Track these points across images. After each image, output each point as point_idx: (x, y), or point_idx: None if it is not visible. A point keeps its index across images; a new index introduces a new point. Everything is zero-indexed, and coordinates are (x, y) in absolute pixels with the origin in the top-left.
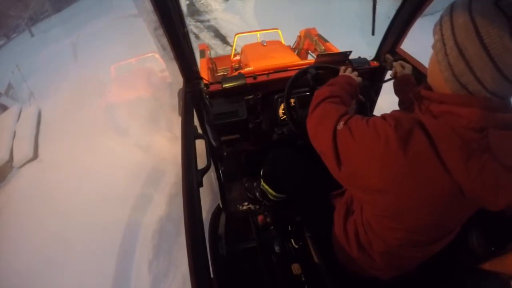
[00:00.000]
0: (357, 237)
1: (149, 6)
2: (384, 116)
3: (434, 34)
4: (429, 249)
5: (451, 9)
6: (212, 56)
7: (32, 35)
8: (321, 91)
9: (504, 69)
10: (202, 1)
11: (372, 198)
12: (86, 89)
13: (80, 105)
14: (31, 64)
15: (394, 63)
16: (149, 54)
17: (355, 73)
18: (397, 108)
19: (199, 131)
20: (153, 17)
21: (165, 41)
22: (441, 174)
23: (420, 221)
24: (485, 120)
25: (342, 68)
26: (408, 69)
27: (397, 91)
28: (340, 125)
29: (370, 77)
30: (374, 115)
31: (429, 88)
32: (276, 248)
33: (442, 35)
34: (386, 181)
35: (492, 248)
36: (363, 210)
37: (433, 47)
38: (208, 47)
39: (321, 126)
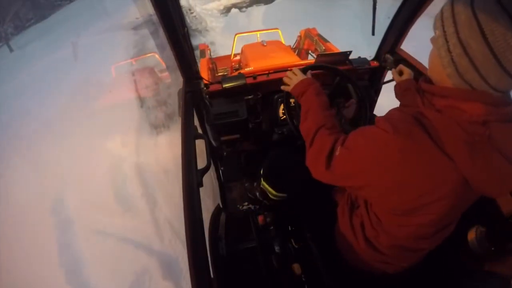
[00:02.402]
0: (363, 231)
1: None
2: (379, 123)
3: (435, 29)
4: (435, 239)
5: (452, 4)
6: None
7: (11, 50)
8: (307, 127)
9: (508, 66)
10: (194, 14)
11: (381, 200)
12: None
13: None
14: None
15: (392, 70)
16: (149, 54)
17: (298, 73)
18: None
19: (199, 131)
20: (132, 38)
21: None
22: (448, 168)
23: (431, 216)
24: (487, 114)
25: (285, 78)
26: (407, 74)
27: (398, 95)
28: (338, 150)
29: (370, 77)
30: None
31: (429, 81)
32: (276, 248)
33: (444, 31)
34: (394, 186)
35: (492, 248)
36: (368, 204)
37: (434, 42)
38: (208, 46)
39: (317, 160)
